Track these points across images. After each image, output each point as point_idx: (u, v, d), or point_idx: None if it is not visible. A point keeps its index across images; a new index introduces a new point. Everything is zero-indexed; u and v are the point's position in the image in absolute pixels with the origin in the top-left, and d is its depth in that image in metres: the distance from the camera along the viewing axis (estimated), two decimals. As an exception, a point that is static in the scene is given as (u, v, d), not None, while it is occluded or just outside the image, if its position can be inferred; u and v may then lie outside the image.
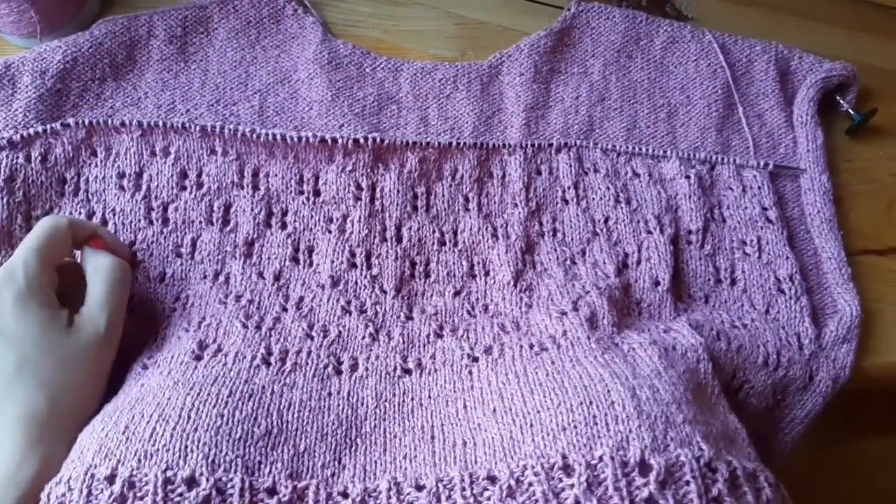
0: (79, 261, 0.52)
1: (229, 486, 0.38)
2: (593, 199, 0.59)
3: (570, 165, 0.60)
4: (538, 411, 0.41)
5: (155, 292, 0.54)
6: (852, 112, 0.66)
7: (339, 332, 0.50)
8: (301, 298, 0.53)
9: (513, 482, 0.38)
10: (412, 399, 0.46)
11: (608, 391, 0.40)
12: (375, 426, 0.45)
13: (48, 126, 0.56)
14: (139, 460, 0.38)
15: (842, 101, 0.67)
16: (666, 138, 0.64)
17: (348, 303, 0.53)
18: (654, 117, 0.65)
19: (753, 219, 0.60)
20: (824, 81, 0.65)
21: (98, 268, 0.48)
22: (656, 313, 0.54)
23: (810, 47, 0.69)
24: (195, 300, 0.52)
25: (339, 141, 0.56)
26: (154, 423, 0.40)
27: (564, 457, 0.38)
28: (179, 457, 0.39)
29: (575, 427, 0.39)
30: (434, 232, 0.57)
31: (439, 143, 0.58)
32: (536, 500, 0.37)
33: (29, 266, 0.45)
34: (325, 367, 0.47)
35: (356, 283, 0.54)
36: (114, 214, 0.56)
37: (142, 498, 0.37)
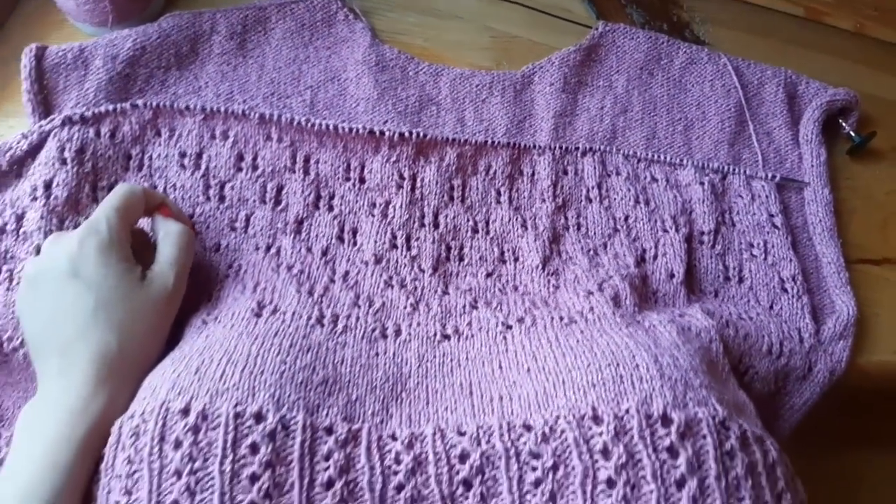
0: (147, 228, 0.57)
1: (293, 422, 0.42)
2: (615, 198, 0.65)
3: (595, 168, 0.66)
4: (569, 370, 0.45)
5: (210, 260, 0.58)
6: (853, 134, 0.72)
7: (383, 302, 0.55)
8: (347, 272, 0.58)
9: (547, 429, 0.42)
10: (451, 360, 0.51)
11: (633, 356, 0.45)
12: (418, 383, 0.49)
13: (117, 105, 0.60)
14: (211, 396, 0.42)
15: (844, 124, 0.73)
16: (682, 148, 0.70)
17: (390, 278, 0.57)
18: (672, 129, 0.70)
19: (761, 224, 0.65)
20: (828, 105, 0.71)
21: (169, 232, 0.53)
22: (671, 302, 0.59)
23: (815, 75, 0.75)
24: (249, 268, 0.57)
25: (386, 134, 0.61)
26: (223, 365, 0.44)
27: (594, 409, 0.42)
28: (248, 395, 0.42)
29: (603, 384, 0.43)
30: (468, 220, 0.62)
31: (476, 141, 0.64)
32: (568, 445, 0.41)
33: (111, 221, 0.49)
34: (373, 331, 0.52)
35: (397, 261, 0.59)
36: (174, 190, 0.60)
37: (214, 428, 0.40)
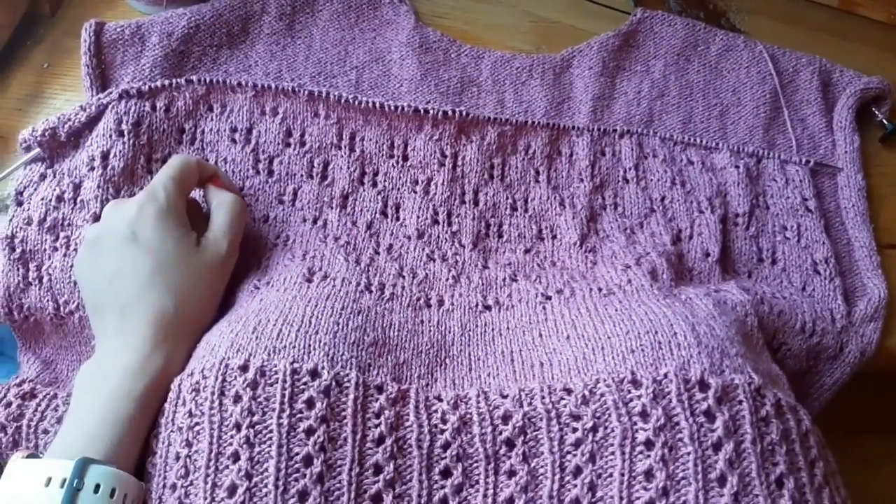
0: (200, 199, 0.59)
1: (346, 379, 0.44)
2: (651, 180, 0.66)
3: (632, 150, 0.67)
4: (609, 337, 0.47)
5: (259, 230, 0.60)
6: (886, 122, 0.73)
7: (426, 274, 0.57)
8: (391, 245, 0.60)
9: (587, 392, 0.43)
10: (493, 329, 0.52)
11: (671, 324, 0.46)
12: (461, 350, 0.51)
13: (172, 80, 0.63)
14: (269, 354, 0.44)
15: (877, 112, 0.74)
16: (718, 133, 0.71)
17: (432, 252, 0.59)
18: (708, 114, 0.72)
19: (794, 207, 0.66)
20: (862, 93, 0.72)
21: (223, 202, 0.55)
22: (706, 280, 0.61)
23: (849, 65, 0.76)
24: (297, 238, 0.59)
25: (430, 112, 0.63)
26: (280, 325, 0.46)
27: (633, 373, 0.43)
28: (304, 353, 0.44)
29: (642, 350, 0.45)
30: (507, 199, 0.64)
31: (516, 121, 0.65)
32: (608, 408, 0.43)
33: (168, 189, 0.52)
34: (417, 300, 0.54)
35: (438, 236, 0.61)
36: (225, 163, 0.62)
37: (272, 385, 0.42)
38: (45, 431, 0.52)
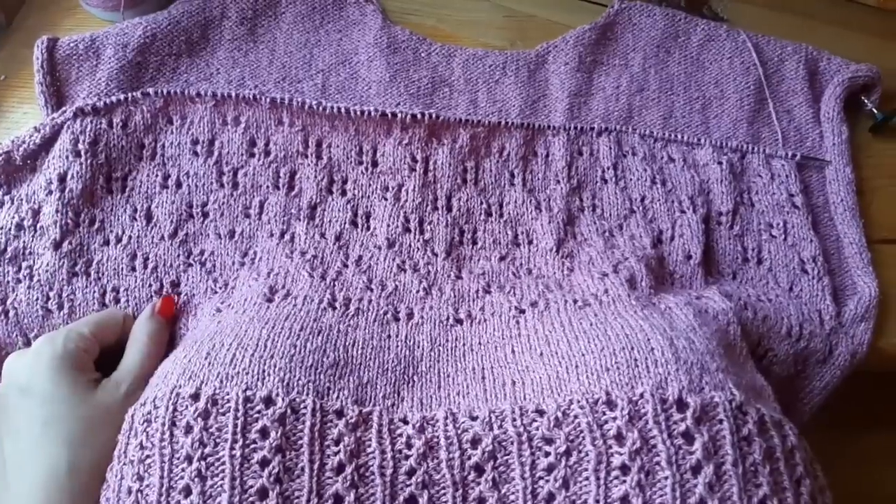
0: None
1: (302, 406, 0.42)
2: (631, 179, 0.64)
3: (610, 148, 0.65)
4: (583, 354, 0.45)
5: (225, 248, 0.58)
6: (876, 111, 0.70)
7: (396, 286, 0.55)
8: (360, 257, 0.57)
9: (560, 414, 0.42)
10: (464, 344, 0.50)
11: (648, 339, 0.44)
12: (430, 366, 0.49)
13: (129, 94, 0.60)
14: (221, 381, 0.42)
15: (866, 101, 0.71)
16: (700, 128, 0.68)
17: (403, 262, 0.57)
18: (690, 108, 0.69)
19: (780, 204, 0.64)
20: (850, 81, 0.69)
21: (138, 339, 0.51)
22: (688, 284, 0.58)
23: (837, 51, 0.73)
24: (263, 255, 0.57)
25: (398, 116, 0.60)
26: (234, 350, 0.44)
27: (608, 393, 0.41)
28: (258, 379, 0.42)
29: (618, 368, 0.43)
30: (482, 203, 0.61)
31: (489, 122, 0.63)
32: (581, 431, 0.41)
33: (71, 334, 0.48)
34: (385, 314, 0.52)
35: (410, 245, 0.59)
36: (188, 177, 0.60)
37: (224, 413, 0.40)
38: None
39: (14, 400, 0.46)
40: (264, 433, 0.40)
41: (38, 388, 0.46)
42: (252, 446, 0.40)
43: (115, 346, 0.52)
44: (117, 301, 0.55)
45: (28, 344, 0.53)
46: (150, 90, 0.61)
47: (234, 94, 0.61)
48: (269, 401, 0.41)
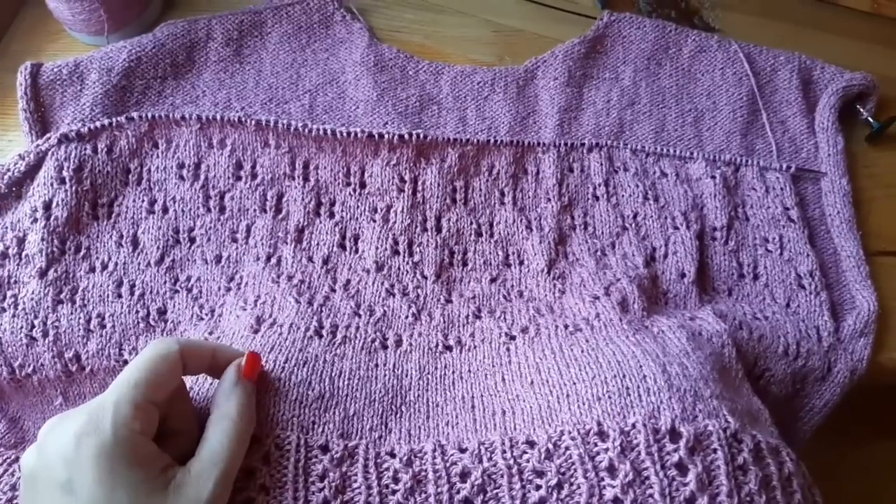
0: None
1: (286, 442, 0.41)
2: (623, 195, 0.63)
3: (601, 164, 0.64)
4: (574, 383, 0.44)
5: (211, 273, 0.57)
6: (872, 120, 0.69)
7: (384, 311, 0.54)
8: (348, 281, 0.56)
9: (550, 446, 0.41)
10: (453, 372, 0.49)
11: (640, 366, 0.43)
12: (419, 396, 0.48)
13: (113, 119, 0.60)
14: None
15: (862, 110, 0.70)
16: (692, 141, 0.67)
17: (392, 286, 0.56)
18: (682, 121, 0.68)
19: (776, 218, 0.62)
20: (845, 90, 0.68)
21: (225, 415, 0.40)
22: (682, 303, 0.57)
23: (831, 59, 0.72)
24: (249, 280, 0.56)
25: (385, 136, 0.60)
26: None
27: (599, 423, 0.41)
28: None
29: (609, 397, 0.42)
30: (472, 223, 0.60)
31: (478, 141, 0.62)
32: (573, 463, 0.40)
33: (120, 410, 0.36)
34: (373, 341, 0.51)
35: (399, 268, 0.58)
36: (174, 202, 0.59)
37: None
38: None
39: (50, 494, 0.35)
40: (250, 473, 0.40)
41: (84, 491, 0.34)
42: (238, 486, 0.39)
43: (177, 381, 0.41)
44: (103, 327, 0.54)
45: (13, 374, 0.52)
46: (135, 114, 0.60)
47: (219, 117, 0.60)
48: (254, 439, 0.41)
